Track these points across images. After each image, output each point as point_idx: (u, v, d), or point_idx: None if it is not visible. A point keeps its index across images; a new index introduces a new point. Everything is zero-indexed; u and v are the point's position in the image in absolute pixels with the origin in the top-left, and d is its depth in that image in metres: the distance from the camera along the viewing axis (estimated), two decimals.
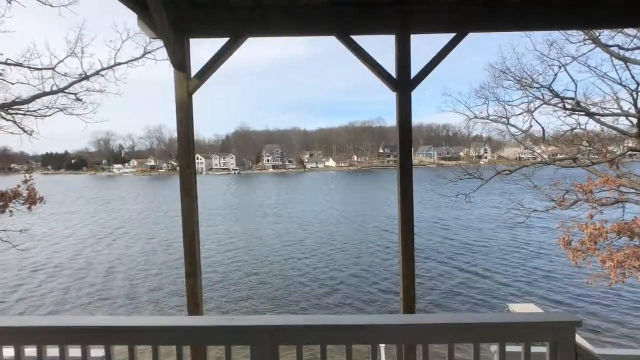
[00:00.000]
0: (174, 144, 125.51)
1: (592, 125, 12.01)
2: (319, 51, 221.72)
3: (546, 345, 2.31)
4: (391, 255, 22.12)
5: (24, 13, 9.16)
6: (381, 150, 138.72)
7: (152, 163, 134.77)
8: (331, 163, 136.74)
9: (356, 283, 17.80)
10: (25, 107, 10.57)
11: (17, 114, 10.55)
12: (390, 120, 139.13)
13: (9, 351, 2.36)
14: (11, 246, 10.70)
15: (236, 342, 2.33)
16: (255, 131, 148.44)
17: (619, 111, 11.04)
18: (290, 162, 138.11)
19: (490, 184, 13.37)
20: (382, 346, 3.92)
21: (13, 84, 10.05)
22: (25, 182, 10.84)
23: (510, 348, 2.36)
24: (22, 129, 10.67)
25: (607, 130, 11.81)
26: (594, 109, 11.46)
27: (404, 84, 3.70)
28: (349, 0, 3.61)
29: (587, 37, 10.33)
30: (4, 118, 10.31)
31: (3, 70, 9.79)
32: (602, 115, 11.36)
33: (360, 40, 3.73)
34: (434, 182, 16.69)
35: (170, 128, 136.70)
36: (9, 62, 9.76)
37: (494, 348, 2.61)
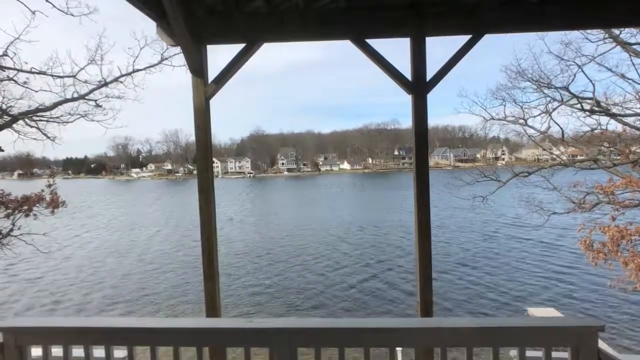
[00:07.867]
0: (190, 147, 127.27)
1: (613, 126, 11.72)
2: (334, 54, 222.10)
3: (567, 350, 2.26)
4: (404, 258, 21.93)
5: (47, 23, 9.45)
6: (396, 152, 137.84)
7: (169, 167, 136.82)
8: (345, 165, 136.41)
9: (372, 286, 17.70)
10: (47, 113, 10.90)
11: (40, 120, 10.90)
12: (405, 121, 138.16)
13: (36, 351, 2.44)
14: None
15: (255, 344, 2.35)
16: (270, 134, 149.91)
17: None
18: (304, 165, 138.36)
19: (508, 186, 13.16)
20: (399, 349, 3.89)
21: (36, 92, 10.38)
22: (49, 186, 11.15)
23: (530, 353, 2.32)
24: (45, 134, 11.00)
25: (629, 130, 11.50)
26: (614, 109, 11.18)
27: (419, 86, 3.67)
28: (364, 4, 3.60)
29: (606, 36, 10.11)
30: (28, 124, 10.65)
31: (27, 78, 10.12)
32: (624, 115, 11.06)
33: (375, 42, 3.72)
34: (449, 185, 16.52)
35: (186, 132, 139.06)
36: (32, 70, 10.08)
37: (514, 352, 2.57)
